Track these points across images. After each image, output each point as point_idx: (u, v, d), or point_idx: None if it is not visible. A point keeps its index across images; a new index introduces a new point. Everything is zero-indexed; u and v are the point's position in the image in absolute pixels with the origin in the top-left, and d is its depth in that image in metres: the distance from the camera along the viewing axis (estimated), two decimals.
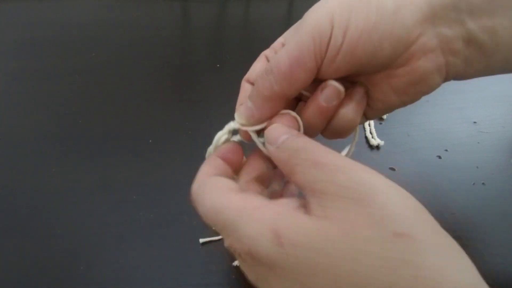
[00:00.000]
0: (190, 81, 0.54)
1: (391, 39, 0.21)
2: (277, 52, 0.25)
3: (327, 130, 0.25)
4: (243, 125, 0.24)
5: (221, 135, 0.25)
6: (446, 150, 0.45)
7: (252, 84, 0.25)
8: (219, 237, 0.36)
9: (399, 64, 0.22)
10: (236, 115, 0.24)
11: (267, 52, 0.26)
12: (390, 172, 0.43)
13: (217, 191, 0.21)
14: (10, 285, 0.33)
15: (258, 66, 0.26)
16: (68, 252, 0.35)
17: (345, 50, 0.21)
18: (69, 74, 0.54)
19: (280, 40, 0.26)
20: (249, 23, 0.68)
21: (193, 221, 0.37)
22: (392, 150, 0.45)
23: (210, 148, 0.27)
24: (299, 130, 0.24)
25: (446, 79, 0.23)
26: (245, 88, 0.26)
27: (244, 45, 0.62)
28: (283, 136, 0.21)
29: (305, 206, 0.18)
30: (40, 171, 0.42)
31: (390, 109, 0.25)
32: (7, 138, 0.45)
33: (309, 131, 0.24)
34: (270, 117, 0.23)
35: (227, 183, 0.21)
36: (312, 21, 0.21)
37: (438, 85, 0.23)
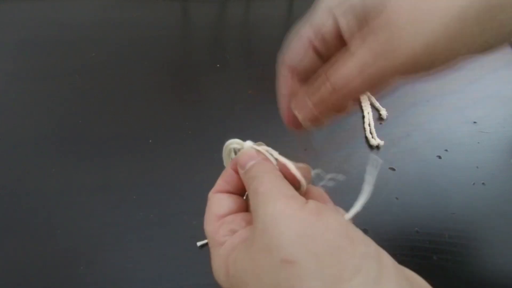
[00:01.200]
0: (190, 81, 0.54)
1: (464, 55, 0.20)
2: (317, 30, 0.23)
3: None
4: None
5: (231, 143, 0.27)
6: (446, 150, 0.45)
7: (292, 71, 0.25)
8: None
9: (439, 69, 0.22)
10: (294, 108, 0.24)
11: (306, 31, 0.24)
12: (390, 172, 0.43)
13: (209, 216, 0.23)
14: (10, 285, 0.33)
15: (298, 50, 0.24)
16: (68, 252, 0.35)
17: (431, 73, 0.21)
18: (69, 74, 0.54)
19: (323, 14, 0.24)
20: (249, 23, 0.68)
21: (193, 221, 0.38)
22: (392, 150, 0.45)
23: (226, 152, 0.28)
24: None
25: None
26: (286, 78, 0.25)
27: (244, 45, 0.62)
28: (251, 162, 0.23)
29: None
30: (40, 171, 0.42)
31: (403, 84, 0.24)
32: (7, 138, 0.45)
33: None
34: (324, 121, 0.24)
35: (218, 208, 0.23)
36: (404, 44, 0.20)
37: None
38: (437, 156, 0.45)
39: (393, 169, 0.43)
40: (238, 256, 0.19)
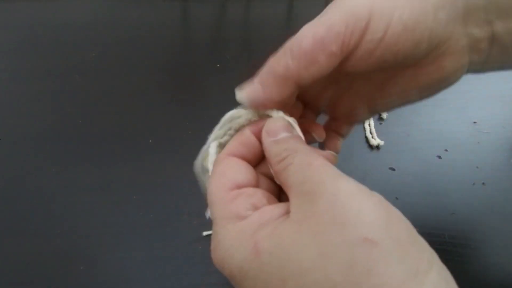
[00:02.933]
0: (190, 81, 0.54)
1: (430, 37, 0.20)
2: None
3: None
4: (244, 108, 0.22)
5: (237, 114, 0.24)
6: (446, 150, 0.45)
7: None
8: None
9: (428, 62, 0.22)
10: (237, 92, 0.22)
11: None
12: (390, 172, 0.43)
13: (221, 181, 0.20)
14: (10, 285, 0.33)
15: None
16: (68, 252, 0.35)
17: (386, 45, 0.19)
18: (69, 74, 0.54)
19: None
20: (249, 23, 0.68)
21: (193, 221, 0.38)
22: (392, 150, 0.45)
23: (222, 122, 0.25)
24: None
25: (464, 74, 0.23)
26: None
27: (244, 45, 0.62)
28: (284, 133, 0.20)
29: (287, 211, 0.18)
30: (40, 171, 0.42)
31: (407, 103, 0.25)
32: (7, 138, 0.45)
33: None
34: (276, 104, 0.21)
35: (235, 175, 0.20)
36: (349, 6, 0.19)
37: (457, 81, 0.23)
38: (437, 156, 0.45)
39: (393, 169, 0.43)
40: (281, 231, 0.17)
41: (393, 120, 0.48)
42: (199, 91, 0.53)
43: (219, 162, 0.21)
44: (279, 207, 0.19)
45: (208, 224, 0.37)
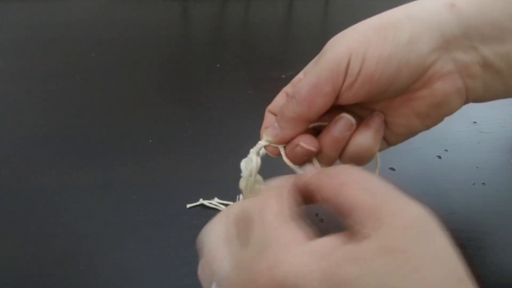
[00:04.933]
0: (190, 81, 0.54)
1: (408, 67, 0.22)
2: (295, 84, 0.27)
3: (344, 157, 0.26)
4: (270, 142, 0.27)
5: (251, 158, 0.28)
6: (446, 150, 0.45)
7: (274, 114, 0.28)
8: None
9: (417, 87, 0.24)
10: (263, 134, 0.27)
11: (287, 87, 0.29)
12: (390, 172, 0.43)
13: (273, 214, 0.18)
14: (10, 285, 0.33)
15: (279, 99, 0.28)
16: (68, 252, 0.35)
17: (363, 78, 0.23)
18: (69, 74, 0.54)
19: (299, 75, 0.28)
20: (249, 23, 0.68)
21: (193, 221, 0.38)
22: (392, 150, 0.45)
23: (244, 176, 0.28)
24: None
25: (467, 101, 0.25)
26: (268, 117, 0.28)
27: (244, 45, 0.62)
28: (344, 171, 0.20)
29: (351, 238, 0.16)
30: (40, 171, 0.42)
31: (414, 133, 0.27)
32: (7, 138, 0.45)
33: (325, 160, 0.26)
34: (293, 136, 0.26)
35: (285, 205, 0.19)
36: (331, 53, 0.23)
37: (459, 107, 0.25)
38: (437, 156, 0.45)
39: (393, 169, 0.43)
40: (369, 260, 0.15)
41: None
42: (199, 91, 0.53)
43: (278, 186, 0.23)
44: (339, 237, 0.17)
45: (206, 221, 0.37)
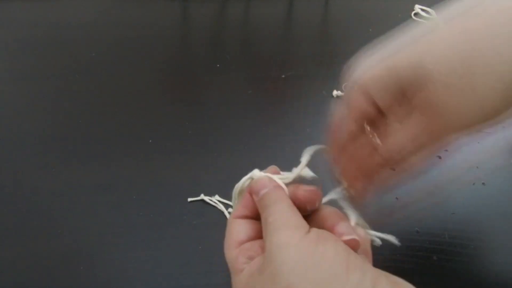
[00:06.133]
0: (190, 81, 0.54)
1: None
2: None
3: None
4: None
5: (246, 179, 0.28)
6: (446, 150, 0.45)
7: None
8: None
9: None
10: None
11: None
12: (390, 172, 0.43)
13: (229, 241, 0.24)
14: (10, 285, 0.33)
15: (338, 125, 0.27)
16: (68, 252, 0.35)
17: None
18: (69, 74, 0.54)
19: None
20: (249, 23, 0.68)
21: (193, 221, 0.38)
22: None
23: (236, 190, 0.29)
24: None
25: None
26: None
27: (244, 45, 0.62)
28: (263, 190, 0.24)
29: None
30: (40, 171, 0.42)
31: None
32: (7, 138, 0.45)
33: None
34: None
35: (237, 235, 0.24)
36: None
37: None
38: (437, 156, 0.45)
39: (393, 169, 0.43)
40: (253, 283, 0.21)
41: None
42: (199, 91, 0.53)
43: (228, 224, 0.26)
44: (254, 264, 0.22)
45: (206, 221, 0.37)
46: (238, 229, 0.25)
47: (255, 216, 0.25)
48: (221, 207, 0.38)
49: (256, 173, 0.27)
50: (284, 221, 0.21)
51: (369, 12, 0.68)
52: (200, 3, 0.71)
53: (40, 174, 0.41)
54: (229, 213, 0.38)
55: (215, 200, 0.38)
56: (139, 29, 0.63)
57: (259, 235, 0.25)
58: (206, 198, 0.39)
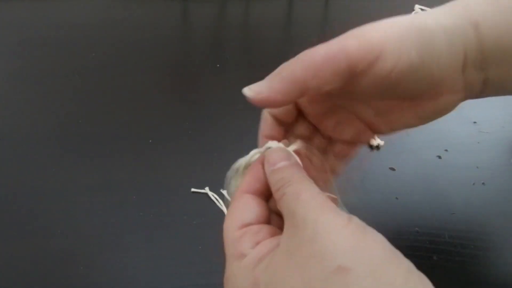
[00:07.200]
0: (190, 81, 0.54)
1: (431, 79, 0.22)
2: None
3: None
4: (250, 100, 0.23)
5: (256, 152, 0.25)
6: (446, 150, 0.45)
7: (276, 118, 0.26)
8: None
9: (426, 98, 0.23)
10: (244, 89, 0.23)
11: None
12: (390, 172, 0.43)
13: (232, 220, 0.22)
14: (10, 285, 0.33)
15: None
16: (68, 253, 0.35)
17: (392, 79, 0.21)
18: (69, 74, 0.54)
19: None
20: (249, 23, 0.68)
21: (193, 221, 0.38)
22: (392, 150, 0.45)
23: (241, 162, 0.26)
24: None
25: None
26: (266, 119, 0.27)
27: (244, 45, 0.62)
28: (282, 162, 0.22)
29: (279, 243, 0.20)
30: (40, 171, 0.42)
31: (408, 127, 0.27)
32: (7, 138, 0.45)
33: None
34: (279, 101, 0.22)
35: (244, 214, 0.22)
36: (366, 34, 0.21)
37: (453, 109, 0.25)
38: (437, 156, 0.45)
39: (393, 169, 0.43)
40: (274, 264, 0.18)
41: None
42: (199, 91, 0.53)
43: (233, 200, 0.23)
44: (277, 239, 0.20)
45: (206, 221, 0.37)
46: (246, 208, 0.22)
47: (266, 193, 0.23)
48: (223, 207, 0.38)
49: (273, 144, 0.24)
50: (322, 201, 0.19)
51: (369, 12, 0.68)
52: (200, 3, 0.71)
53: (40, 174, 0.41)
54: None
55: (216, 196, 0.39)
56: (139, 29, 0.63)
57: (266, 219, 0.22)
58: (211, 194, 0.39)
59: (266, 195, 0.23)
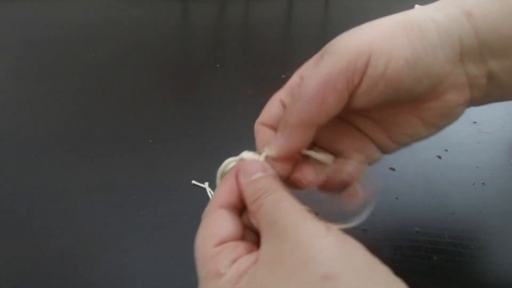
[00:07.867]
0: (190, 81, 0.54)
1: (430, 74, 0.21)
2: (292, 89, 0.25)
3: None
4: (274, 158, 0.23)
5: (231, 161, 0.25)
6: (446, 150, 0.45)
7: (270, 126, 0.25)
8: None
9: (429, 98, 0.23)
10: (267, 148, 0.23)
11: (279, 94, 0.26)
12: (390, 172, 0.43)
13: (207, 236, 0.21)
14: (9, 285, 0.33)
15: (272, 109, 0.25)
16: (68, 252, 0.35)
17: (387, 79, 0.21)
18: (69, 74, 0.54)
19: (294, 79, 0.25)
20: (249, 23, 0.68)
21: (193, 221, 0.37)
22: None
23: (219, 172, 0.26)
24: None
25: (467, 107, 0.25)
26: (262, 131, 0.25)
27: (244, 45, 0.62)
28: (259, 173, 0.22)
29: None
30: (40, 171, 0.42)
31: (414, 142, 0.26)
32: (7, 138, 0.45)
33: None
34: (301, 147, 0.23)
35: (220, 229, 0.21)
36: (346, 47, 0.21)
37: (460, 116, 0.25)
38: (437, 156, 0.45)
39: (393, 169, 0.43)
40: (258, 277, 0.18)
41: None
42: (199, 91, 0.53)
43: (207, 215, 0.22)
44: (254, 254, 0.20)
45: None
46: (221, 224, 0.21)
47: (240, 207, 0.22)
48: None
49: (246, 154, 0.23)
50: (301, 211, 0.19)
51: (369, 12, 0.68)
52: (200, 3, 0.71)
53: (40, 174, 0.41)
54: None
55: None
56: (139, 29, 0.64)
57: (242, 236, 0.21)
58: (209, 191, 0.39)
59: (240, 208, 0.23)
